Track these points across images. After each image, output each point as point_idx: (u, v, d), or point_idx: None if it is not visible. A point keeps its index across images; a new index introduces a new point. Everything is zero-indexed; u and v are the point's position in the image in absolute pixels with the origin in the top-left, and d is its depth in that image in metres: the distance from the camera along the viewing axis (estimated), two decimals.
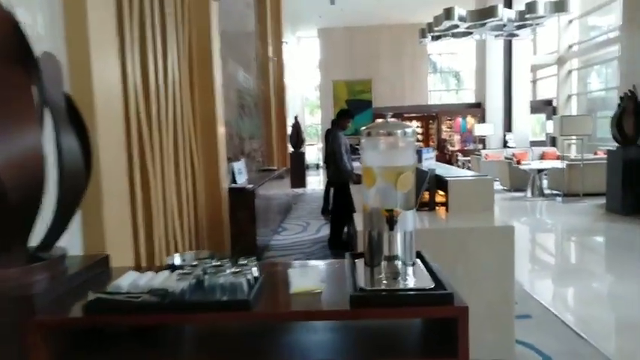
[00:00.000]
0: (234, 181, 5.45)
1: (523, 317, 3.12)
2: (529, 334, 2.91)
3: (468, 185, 2.87)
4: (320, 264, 1.55)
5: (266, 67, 8.32)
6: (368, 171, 1.30)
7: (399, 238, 1.29)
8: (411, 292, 1.20)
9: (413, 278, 1.25)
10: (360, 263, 1.43)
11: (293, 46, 15.57)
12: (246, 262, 1.28)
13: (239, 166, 5.71)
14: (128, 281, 1.24)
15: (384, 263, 1.30)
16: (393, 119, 1.33)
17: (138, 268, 1.75)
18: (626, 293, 3.74)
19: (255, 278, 1.27)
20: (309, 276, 1.25)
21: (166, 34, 3.66)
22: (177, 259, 1.42)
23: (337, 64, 15.68)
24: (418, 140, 14.48)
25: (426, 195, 3.05)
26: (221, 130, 4.61)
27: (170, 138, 3.70)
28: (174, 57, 3.79)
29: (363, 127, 1.32)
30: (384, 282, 1.21)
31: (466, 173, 3.44)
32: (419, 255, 1.48)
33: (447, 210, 2.90)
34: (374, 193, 1.31)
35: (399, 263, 1.30)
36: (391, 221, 1.25)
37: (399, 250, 1.29)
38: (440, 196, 3.12)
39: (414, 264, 1.33)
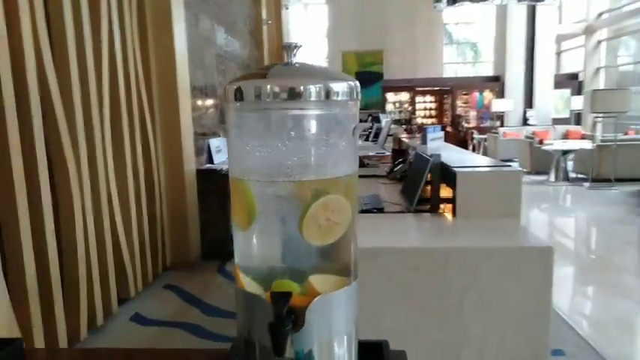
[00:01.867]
0: (210, 160, 4.70)
1: (554, 354, 2.35)
2: None
3: (485, 179, 2.06)
4: None
5: (260, 31, 7.44)
6: (239, 187, 0.53)
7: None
8: None
9: None
10: None
11: (299, 13, 14.55)
12: None
13: (217, 142, 4.94)
14: None
15: None
16: (301, 61, 0.54)
17: None
18: None
19: None
20: None
21: None
22: None
23: (346, 33, 14.64)
24: (431, 116, 13.55)
25: (428, 189, 2.27)
26: (185, 100, 3.82)
27: (106, 112, 2.94)
28: (111, 6, 2.99)
29: (230, 82, 0.53)
30: None
31: (482, 161, 2.62)
32: (375, 350, 0.70)
33: (453, 213, 2.11)
34: (253, 244, 0.54)
35: None
36: (279, 334, 0.47)
37: None
38: (446, 190, 2.33)
39: None
